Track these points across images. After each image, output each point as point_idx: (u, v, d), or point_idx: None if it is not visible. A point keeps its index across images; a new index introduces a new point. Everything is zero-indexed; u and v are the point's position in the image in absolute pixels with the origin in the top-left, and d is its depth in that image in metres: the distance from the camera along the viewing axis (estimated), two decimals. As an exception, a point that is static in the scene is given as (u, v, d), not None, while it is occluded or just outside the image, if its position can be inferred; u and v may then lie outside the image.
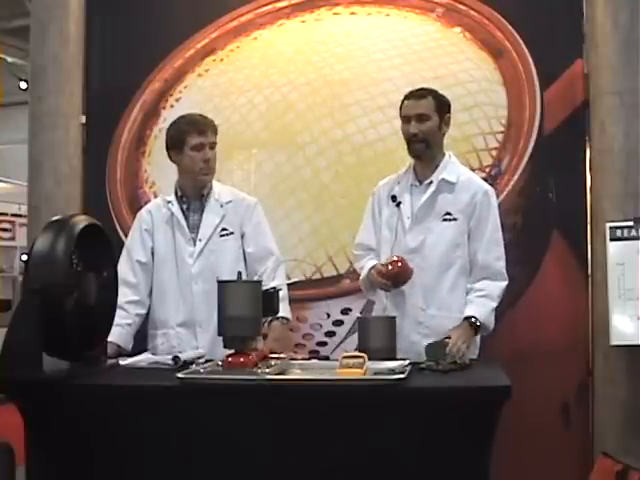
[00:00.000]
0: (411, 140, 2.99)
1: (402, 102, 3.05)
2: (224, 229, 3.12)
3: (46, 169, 4.19)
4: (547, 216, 3.82)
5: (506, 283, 3.04)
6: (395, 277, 2.91)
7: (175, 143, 3.10)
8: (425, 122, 2.97)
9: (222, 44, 4.19)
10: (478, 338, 3.03)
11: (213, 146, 3.08)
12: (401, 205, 3.02)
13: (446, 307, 2.97)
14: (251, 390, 2.25)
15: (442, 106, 3.02)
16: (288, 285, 3.15)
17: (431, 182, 3.02)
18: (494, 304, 2.96)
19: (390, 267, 2.90)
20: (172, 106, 4.20)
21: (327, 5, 4.10)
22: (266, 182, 4.04)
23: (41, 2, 4.33)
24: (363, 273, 3.09)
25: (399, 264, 2.89)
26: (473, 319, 2.88)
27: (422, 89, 3.04)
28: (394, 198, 3.03)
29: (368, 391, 2.21)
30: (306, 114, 4.02)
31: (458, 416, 2.15)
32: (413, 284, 2.94)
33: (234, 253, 3.12)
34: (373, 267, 2.99)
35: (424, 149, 2.99)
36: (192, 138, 3.05)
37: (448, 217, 2.99)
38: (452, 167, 3.06)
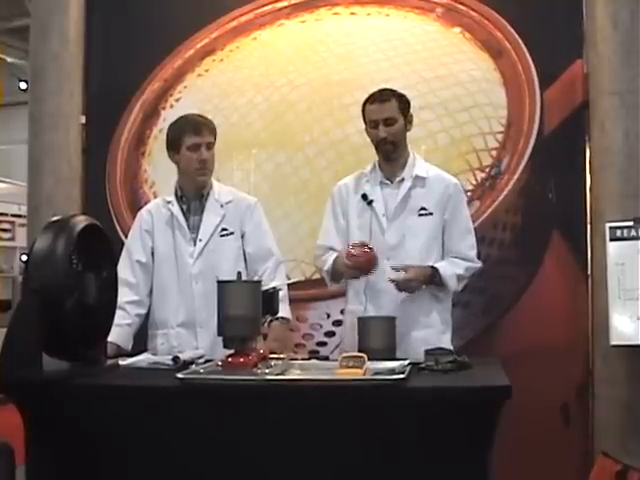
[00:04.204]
0: (380, 143, 3.05)
1: (364, 106, 3.09)
2: (224, 229, 3.12)
3: (46, 169, 4.20)
4: (547, 216, 3.82)
5: (478, 266, 3.12)
6: (364, 267, 2.91)
7: (173, 143, 3.10)
8: (392, 125, 3.03)
9: (222, 44, 4.20)
10: (449, 335, 3.07)
11: (210, 146, 3.08)
12: (373, 203, 3.04)
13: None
14: (251, 390, 2.25)
15: (405, 107, 3.08)
16: (288, 285, 3.15)
17: (403, 179, 3.07)
18: (460, 272, 3.03)
19: (357, 253, 2.90)
20: (172, 106, 4.20)
21: (327, 5, 4.11)
22: (266, 182, 4.05)
23: (41, 2, 4.33)
24: (328, 264, 3.10)
25: (365, 249, 2.89)
26: (435, 269, 2.98)
27: (383, 91, 3.08)
28: (365, 196, 3.06)
29: (368, 391, 2.21)
30: (306, 114, 4.02)
31: (458, 416, 2.15)
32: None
33: (234, 253, 3.12)
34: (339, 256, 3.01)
35: (393, 150, 3.06)
36: (188, 138, 3.05)
37: (424, 212, 3.05)
38: (420, 163, 3.13)
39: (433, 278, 2.99)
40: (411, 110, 3.11)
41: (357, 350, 2.62)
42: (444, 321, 3.09)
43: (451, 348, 2.86)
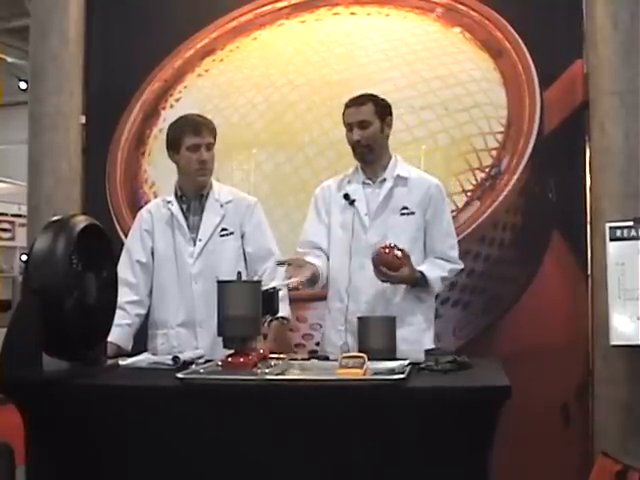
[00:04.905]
0: (355, 146, 3.07)
1: (344, 110, 3.11)
2: (224, 229, 3.12)
3: (46, 169, 4.20)
4: (547, 216, 3.82)
5: (460, 267, 3.14)
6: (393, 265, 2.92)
7: (173, 143, 3.10)
8: (367, 128, 3.04)
9: (222, 44, 4.20)
10: (432, 333, 3.08)
11: (210, 147, 3.08)
12: (356, 203, 3.06)
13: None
14: (251, 390, 2.25)
15: (382, 110, 3.09)
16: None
17: (384, 179, 3.09)
18: (444, 274, 3.06)
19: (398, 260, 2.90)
20: (172, 106, 4.20)
21: (327, 5, 4.11)
22: (266, 182, 4.05)
23: (41, 2, 4.33)
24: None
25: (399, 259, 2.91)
26: (421, 274, 2.98)
27: (362, 96, 3.10)
28: (347, 196, 3.08)
29: (368, 391, 2.21)
30: (306, 114, 4.02)
31: (458, 416, 2.15)
32: (374, 280, 2.95)
33: (234, 253, 3.12)
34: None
35: (367, 153, 3.08)
36: (188, 138, 3.05)
37: (405, 211, 3.07)
38: (402, 165, 3.15)
39: (419, 281, 3.00)
40: (393, 115, 3.11)
41: (357, 350, 2.63)
42: (426, 320, 3.10)
43: (433, 346, 2.92)
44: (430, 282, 3.00)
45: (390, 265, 2.89)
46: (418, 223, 3.07)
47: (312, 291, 3.12)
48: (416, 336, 2.99)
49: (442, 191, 3.14)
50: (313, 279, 2.95)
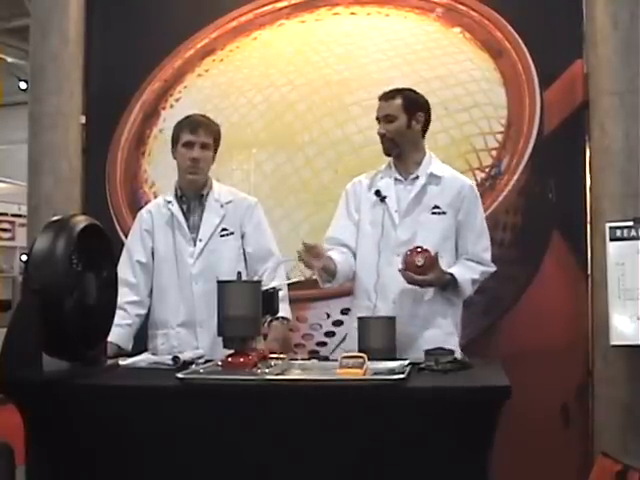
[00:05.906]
0: (381, 139, 3.06)
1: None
2: (224, 229, 3.13)
3: (46, 169, 4.19)
4: (547, 216, 3.82)
5: (492, 270, 3.08)
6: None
7: (173, 140, 3.14)
8: (391, 122, 3.03)
9: (222, 44, 4.20)
10: (457, 338, 3.03)
11: (205, 146, 3.08)
12: (387, 199, 3.04)
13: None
14: (251, 390, 2.25)
15: (411, 105, 3.06)
16: (288, 285, 3.15)
17: (417, 176, 3.06)
18: (475, 276, 3.00)
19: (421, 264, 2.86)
20: (172, 106, 4.20)
21: (327, 5, 4.10)
22: (266, 182, 4.05)
23: (41, 2, 4.33)
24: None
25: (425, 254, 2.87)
26: (451, 276, 2.94)
27: (393, 90, 3.08)
28: (378, 192, 3.05)
29: (368, 391, 2.22)
30: (306, 114, 4.02)
31: (458, 416, 2.15)
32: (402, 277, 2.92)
33: (234, 253, 3.13)
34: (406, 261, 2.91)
35: (392, 147, 3.06)
36: (184, 135, 3.07)
37: (437, 210, 3.02)
38: (436, 163, 3.11)
39: (448, 284, 2.95)
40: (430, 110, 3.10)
41: (358, 350, 2.63)
42: (454, 323, 3.05)
43: (457, 350, 2.84)
44: (460, 285, 2.95)
45: (410, 269, 2.86)
46: (449, 223, 3.02)
47: (329, 287, 3.08)
48: (442, 339, 2.91)
49: (475, 192, 3.10)
50: (328, 271, 2.92)
